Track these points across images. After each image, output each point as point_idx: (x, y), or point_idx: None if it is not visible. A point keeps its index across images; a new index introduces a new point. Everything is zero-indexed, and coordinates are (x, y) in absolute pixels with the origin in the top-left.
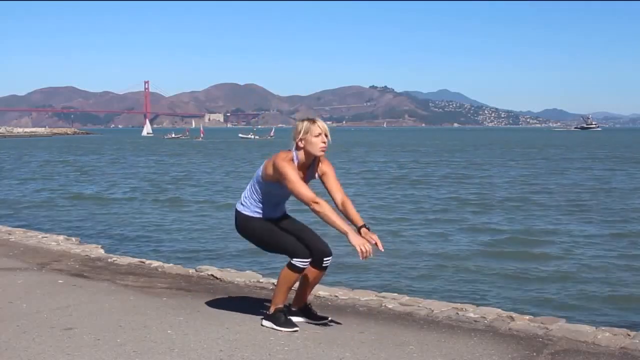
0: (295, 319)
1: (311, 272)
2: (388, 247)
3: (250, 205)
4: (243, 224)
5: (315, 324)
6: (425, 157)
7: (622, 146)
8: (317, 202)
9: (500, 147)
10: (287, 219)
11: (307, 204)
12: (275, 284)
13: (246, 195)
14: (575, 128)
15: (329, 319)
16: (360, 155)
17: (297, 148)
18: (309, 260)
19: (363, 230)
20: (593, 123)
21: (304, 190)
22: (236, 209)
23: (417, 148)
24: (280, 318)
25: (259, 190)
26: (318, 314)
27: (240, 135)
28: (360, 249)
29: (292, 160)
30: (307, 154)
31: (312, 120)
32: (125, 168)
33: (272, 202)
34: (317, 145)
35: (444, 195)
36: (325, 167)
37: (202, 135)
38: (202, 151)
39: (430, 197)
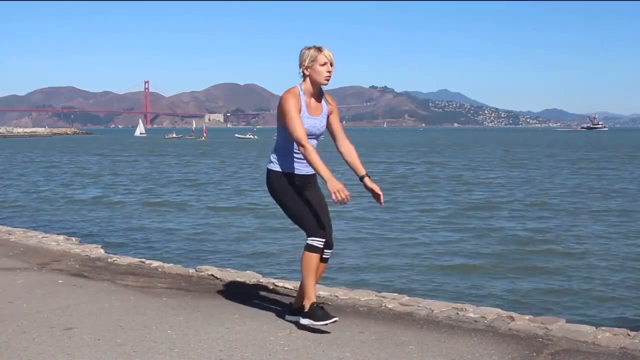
0: (295, 318)
1: None
2: (388, 246)
3: (273, 158)
4: (267, 180)
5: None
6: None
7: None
8: (303, 146)
9: (525, 147)
10: (312, 189)
11: (296, 140)
12: (300, 276)
13: (272, 149)
14: (582, 128)
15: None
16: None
17: (303, 76)
18: (324, 241)
19: (366, 179)
20: (600, 123)
21: (298, 128)
22: (267, 168)
23: (436, 149)
24: (317, 312)
25: (281, 138)
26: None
27: (237, 135)
28: (335, 194)
29: (298, 93)
30: (313, 82)
31: (319, 49)
32: (126, 168)
33: (292, 149)
34: (323, 74)
35: (453, 198)
36: (333, 107)
37: (205, 134)
38: (208, 152)
39: (436, 198)
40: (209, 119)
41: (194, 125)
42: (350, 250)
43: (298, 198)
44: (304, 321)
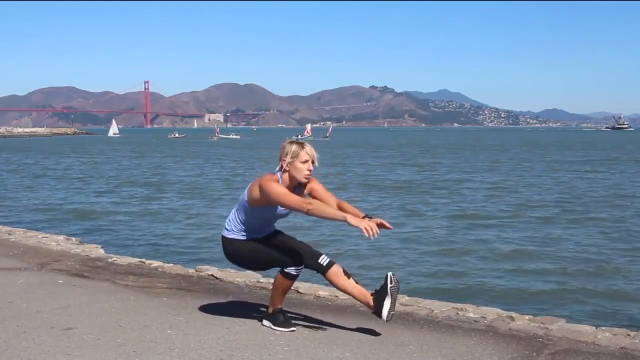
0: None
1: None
2: (388, 247)
3: (234, 229)
4: (230, 249)
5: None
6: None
7: None
8: (308, 203)
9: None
10: (273, 235)
11: (300, 210)
12: (272, 286)
13: (230, 220)
14: (606, 128)
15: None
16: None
17: (282, 170)
18: (301, 267)
19: (365, 219)
20: (625, 123)
21: (294, 198)
22: (222, 236)
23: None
24: (279, 318)
25: (244, 215)
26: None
27: (220, 135)
28: (365, 228)
29: (277, 181)
30: (292, 178)
31: (301, 145)
32: (127, 169)
33: (260, 224)
34: (303, 172)
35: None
36: (312, 184)
37: (217, 135)
38: (219, 151)
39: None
40: (209, 119)
41: (195, 125)
42: (350, 250)
43: (259, 244)
44: (265, 322)
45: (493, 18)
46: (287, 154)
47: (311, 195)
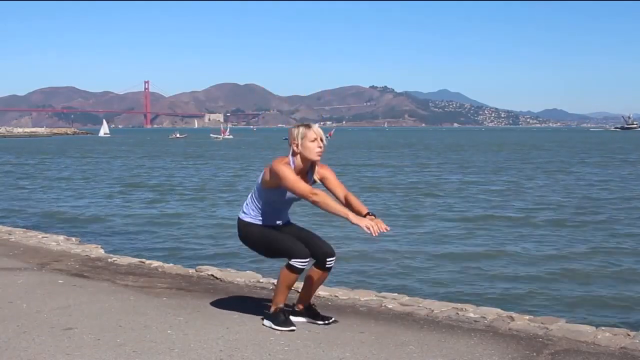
0: (298, 319)
1: (315, 272)
2: (388, 247)
3: (250, 212)
4: (244, 230)
5: (319, 324)
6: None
7: None
8: (315, 194)
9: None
10: (289, 227)
11: (305, 197)
12: (275, 283)
13: (247, 203)
14: (615, 128)
15: (333, 319)
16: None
17: (293, 154)
18: (307, 260)
19: (368, 217)
20: (634, 123)
21: (302, 185)
22: (238, 218)
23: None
24: (279, 317)
25: (259, 198)
26: (321, 314)
27: (212, 135)
28: (366, 226)
29: (289, 162)
30: (304, 159)
31: (307, 126)
32: (128, 169)
33: (273, 209)
34: (314, 150)
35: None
36: (325, 172)
37: (223, 134)
38: (202, 153)
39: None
40: (209, 119)
41: (196, 125)
42: (350, 250)
43: (271, 232)
44: (266, 322)
45: (493, 18)
46: (296, 136)
47: (323, 182)
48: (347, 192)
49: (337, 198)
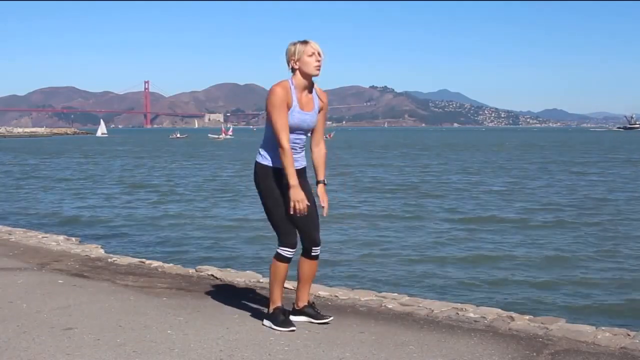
0: (298, 318)
1: (303, 262)
2: (388, 247)
3: (262, 152)
4: (255, 175)
5: (319, 324)
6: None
7: None
8: (282, 148)
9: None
10: (302, 186)
11: (277, 135)
12: (269, 282)
13: (263, 140)
14: (618, 128)
15: (331, 318)
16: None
17: (292, 71)
18: (293, 251)
19: (320, 185)
20: (637, 123)
21: (281, 121)
22: (255, 161)
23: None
24: (279, 317)
25: (267, 131)
26: (321, 313)
27: (210, 135)
28: (293, 205)
29: (289, 87)
30: (304, 74)
31: (304, 41)
32: (128, 170)
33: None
34: (312, 64)
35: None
36: (323, 103)
37: (223, 134)
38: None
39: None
40: (209, 119)
41: (196, 126)
42: (351, 250)
43: (281, 202)
44: (266, 322)
45: (493, 18)
46: (293, 53)
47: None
48: (324, 148)
49: (311, 135)
